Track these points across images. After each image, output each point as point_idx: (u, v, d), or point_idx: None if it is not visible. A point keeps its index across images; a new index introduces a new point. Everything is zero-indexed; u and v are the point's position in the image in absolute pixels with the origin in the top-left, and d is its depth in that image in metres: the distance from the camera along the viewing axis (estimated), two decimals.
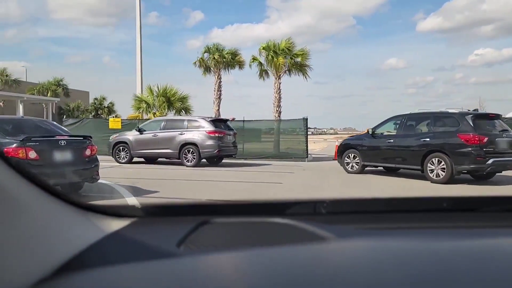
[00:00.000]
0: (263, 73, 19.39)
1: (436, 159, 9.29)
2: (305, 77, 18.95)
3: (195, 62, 20.34)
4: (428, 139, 9.60)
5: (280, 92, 18.94)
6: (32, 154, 6.15)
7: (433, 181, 9.29)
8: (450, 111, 9.76)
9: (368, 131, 11.13)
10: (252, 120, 17.76)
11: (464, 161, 9.02)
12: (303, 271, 0.65)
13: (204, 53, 20.27)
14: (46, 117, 30.98)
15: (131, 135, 13.95)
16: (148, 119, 19.08)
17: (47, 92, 34.39)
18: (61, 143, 6.70)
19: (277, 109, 18.88)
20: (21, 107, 28.73)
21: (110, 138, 14.53)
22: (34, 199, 0.72)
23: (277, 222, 0.87)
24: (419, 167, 9.63)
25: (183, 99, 19.46)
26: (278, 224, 0.86)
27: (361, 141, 11.28)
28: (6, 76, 32.17)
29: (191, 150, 12.99)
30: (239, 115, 19.25)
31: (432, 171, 9.36)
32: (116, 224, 0.88)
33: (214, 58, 19.69)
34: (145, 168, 12.99)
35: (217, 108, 20.20)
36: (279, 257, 0.71)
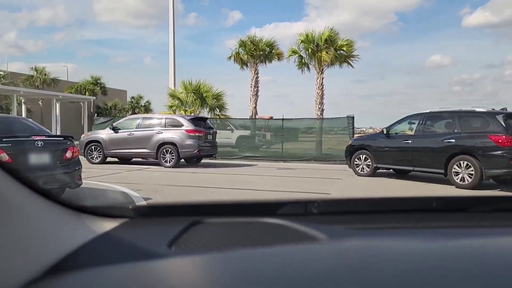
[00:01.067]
0: (303, 66, 17.79)
1: (463, 162, 8.41)
2: (351, 67, 17.19)
3: (230, 57, 19.03)
4: (453, 140, 8.65)
5: (322, 88, 17.31)
6: (4, 157, 5.30)
7: (458, 186, 8.41)
8: (477, 109, 8.84)
9: (382, 131, 10.28)
10: (292, 119, 16.21)
11: (495, 165, 8.13)
12: (294, 271, 0.64)
13: (239, 48, 18.88)
14: (83, 115, 30.79)
15: (104, 134, 13.21)
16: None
17: (85, 91, 34.36)
18: (37, 144, 5.83)
19: (319, 106, 17.25)
20: (57, 105, 28.64)
21: (82, 136, 13.80)
22: (24, 200, 0.73)
23: (269, 222, 0.87)
24: (441, 171, 8.73)
25: (218, 96, 18.08)
26: (270, 224, 0.86)
27: (373, 142, 10.41)
28: (45, 75, 32.30)
29: (170, 150, 12.36)
30: (277, 115, 17.76)
31: (457, 175, 8.48)
32: (107, 225, 0.87)
33: (249, 50, 18.25)
34: (163, 172, 11.81)
35: (254, 105, 18.79)
36: (270, 257, 0.71)
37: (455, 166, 8.50)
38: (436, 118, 9.51)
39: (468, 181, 8.29)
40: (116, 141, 12.92)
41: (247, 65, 19.19)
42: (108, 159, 13.23)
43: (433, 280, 0.60)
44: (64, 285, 0.65)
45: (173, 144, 12.35)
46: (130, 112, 37.60)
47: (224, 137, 18.00)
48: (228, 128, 18.20)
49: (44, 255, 0.70)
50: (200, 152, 12.54)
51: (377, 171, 10.31)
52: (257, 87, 18.96)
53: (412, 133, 9.68)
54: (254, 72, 18.91)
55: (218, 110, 18.47)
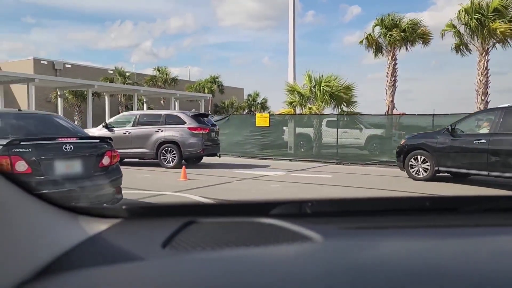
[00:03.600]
0: (460, 47, 13.78)
1: None
2: None
3: (362, 41, 15.78)
4: None
5: (487, 74, 13.16)
6: (21, 166, 4.29)
7: None
8: None
9: (447, 128, 8.86)
10: (446, 114, 12.39)
11: None
12: (289, 271, 0.64)
13: (375, 26, 15.52)
14: None
15: (96, 133, 11.75)
16: (303, 114, 15.51)
17: (203, 89, 34.27)
18: (66, 148, 4.70)
19: (483, 98, 13.18)
20: (176, 104, 28.54)
21: None
22: (16, 200, 0.72)
23: (263, 222, 0.87)
24: None
25: (347, 89, 15.01)
26: (264, 224, 0.86)
27: (434, 141, 9.04)
28: (166, 75, 32.80)
29: (171, 149, 11.32)
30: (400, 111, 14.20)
31: None
32: (100, 225, 0.86)
33: (389, 34, 14.76)
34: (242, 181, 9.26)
35: (390, 98, 15.36)
36: (264, 257, 0.71)
37: None
38: None
39: None
40: None
41: (381, 51, 15.81)
42: None
43: (427, 279, 0.60)
44: (58, 286, 0.64)
45: (174, 143, 11.30)
46: (246, 110, 36.64)
47: (351, 137, 15.10)
48: (355, 126, 15.19)
49: (37, 255, 0.69)
50: (204, 151, 11.55)
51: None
52: (395, 76, 15.47)
53: (486, 131, 8.34)
54: (392, 57, 15.45)
55: (345, 105, 15.44)
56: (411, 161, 9.25)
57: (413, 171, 9.23)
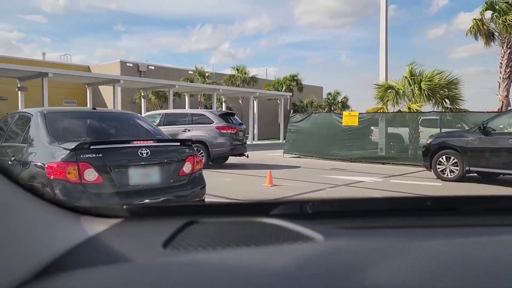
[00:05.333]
0: None
1: None
2: None
3: (471, 29, 13.64)
4: None
5: None
6: (90, 174, 3.61)
7: None
8: None
9: (480, 127, 8.34)
10: None
11: None
12: (289, 271, 0.64)
13: (485, 10, 13.33)
14: (280, 113, 29.50)
15: None
16: (398, 112, 13.86)
17: (282, 88, 33.38)
18: (141, 153, 3.97)
19: None
20: (255, 103, 27.95)
21: None
22: (16, 200, 0.71)
23: (264, 222, 0.86)
24: None
25: (450, 85, 13.02)
26: (265, 224, 0.85)
27: (464, 140, 8.58)
28: (245, 74, 32.41)
29: (198, 149, 10.63)
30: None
31: None
32: (101, 225, 0.86)
33: (504, 18, 12.54)
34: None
35: (505, 93, 13.12)
36: (265, 257, 0.71)
37: None
38: None
39: None
40: None
41: (493, 38, 13.57)
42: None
43: (426, 279, 0.60)
44: (58, 286, 0.63)
45: (202, 143, 10.93)
46: (326, 109, 35.13)
47: None
48: (456, 126, 13.24)
49: (37, 255, 0.68)
50: (233, 152, 11.20)
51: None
52: (511, 66, 13.17)
53: None
54: (507, 45, 13.18)
55: (446, 102, 13.49)
56: (439, 161, 8.96)
57: (441, 172, 8.95)
